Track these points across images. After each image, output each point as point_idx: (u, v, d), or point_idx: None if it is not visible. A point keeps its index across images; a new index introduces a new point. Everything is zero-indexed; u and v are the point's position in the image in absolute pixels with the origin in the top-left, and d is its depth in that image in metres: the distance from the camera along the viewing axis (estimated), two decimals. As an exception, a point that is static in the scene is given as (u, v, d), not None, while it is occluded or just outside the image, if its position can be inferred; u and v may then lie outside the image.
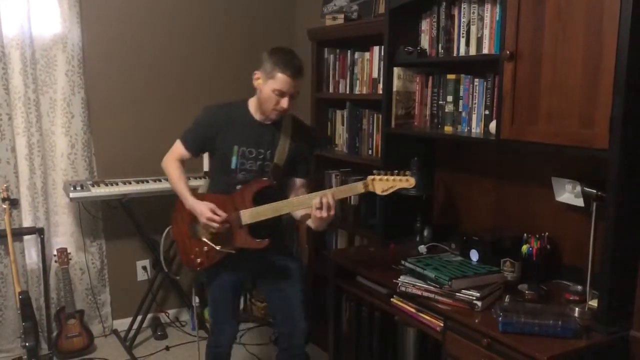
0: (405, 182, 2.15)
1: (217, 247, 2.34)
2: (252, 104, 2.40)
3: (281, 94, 2.24)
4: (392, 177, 2.17)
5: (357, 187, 2.24)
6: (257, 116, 2.39)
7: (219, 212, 2.29)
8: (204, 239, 2.38)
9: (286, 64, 2.22)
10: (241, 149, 2.35)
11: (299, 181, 2.48)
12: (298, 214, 2.40)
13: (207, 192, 2.51)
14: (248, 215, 2.32)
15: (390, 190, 2.17)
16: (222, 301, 2.54)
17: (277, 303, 2.56)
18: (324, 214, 2.17)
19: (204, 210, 2.30)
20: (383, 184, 2.17)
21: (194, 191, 2.46)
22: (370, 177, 2.20)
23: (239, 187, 2.37)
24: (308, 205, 2.25)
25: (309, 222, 2.32)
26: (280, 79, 2.22)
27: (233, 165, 2.37)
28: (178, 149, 2.47)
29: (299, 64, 2.26)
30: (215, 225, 2.29)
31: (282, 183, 2.43)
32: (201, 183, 2.72)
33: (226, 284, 2.50)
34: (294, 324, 2.52)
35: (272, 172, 2.37)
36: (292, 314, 2.52)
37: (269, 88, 2.25)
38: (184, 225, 2.47)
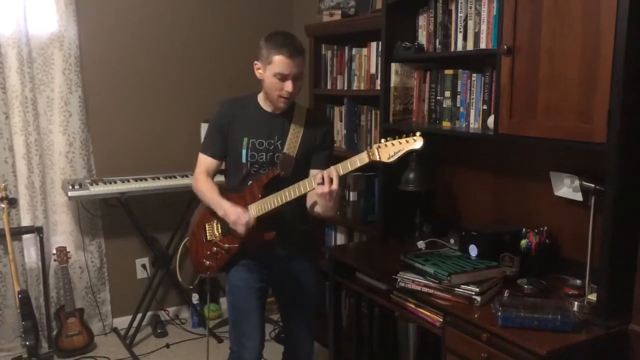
0: (413, 142, 1.96)
1: (225, 245, 2.31)
2: (261, 97, 2.32)
3: (283, 77, 2.16)
4: (398, 141, 1.98)
5: (362, 158, 2.04)
6: (266, 107, 2.31)
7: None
8: (213, 239, 2.34)
9: (281, 44, 2.14)
10: (251, 140, 2.27)
11: (317, 172, 2.23)
12: (309, 203, 2.28)
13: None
14: (255, 209, 2.25)
15: (397, 155, 1.97)
16: (245, 309, 2.34)
17: (289, 318, 2.51)
18: (325, 189, 2.03)
19: (239, 216, 2.21)
20: (389, 149, 1.98)
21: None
22: (375, 145, 2.02)
23: (250, 182, 2.29)
24: (312, 187, 2.12)
25: (317, 208, 2.22)
26: (278, 61, 2.14)
27: (243, 159, 2.28)
28: (201, 161, 2.37)
29: (294, 42, 2.16)
30: (242, 230, 2.21)
31: (298, 175, 2.26)
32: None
33: (251, 286, 2.35)
34: (300, 346, 2.51)
35: (282, 163, 2.27)
36: (299, 333, 2.50)
37: (270, 74, 2.17)
38: (199, 231, 2.40)
